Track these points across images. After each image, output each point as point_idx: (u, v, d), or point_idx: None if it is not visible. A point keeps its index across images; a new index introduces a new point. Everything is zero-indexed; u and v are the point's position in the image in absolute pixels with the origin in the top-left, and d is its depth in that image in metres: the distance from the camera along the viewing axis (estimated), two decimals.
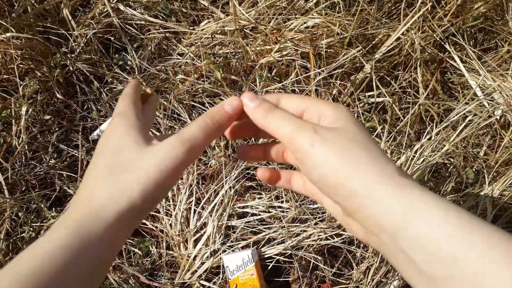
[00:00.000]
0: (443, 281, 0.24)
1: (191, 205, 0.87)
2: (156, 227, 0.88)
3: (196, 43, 1.04)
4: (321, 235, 0.84)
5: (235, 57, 1.03)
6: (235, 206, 0.88)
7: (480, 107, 0.95)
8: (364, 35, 1.00)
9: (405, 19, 0.95)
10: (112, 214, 0.30)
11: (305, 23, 0.99)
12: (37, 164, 0.93)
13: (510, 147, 0.93)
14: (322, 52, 0.95)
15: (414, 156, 0.85)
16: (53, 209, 0.90)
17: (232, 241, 0.85)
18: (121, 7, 1.07)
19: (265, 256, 0.85)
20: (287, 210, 0.87)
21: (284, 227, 0.85)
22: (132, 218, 0.31)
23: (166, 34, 1.07)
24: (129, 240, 0.87)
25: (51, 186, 0.93)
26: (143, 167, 0.31)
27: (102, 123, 0.98)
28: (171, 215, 0.88)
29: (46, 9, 1.06)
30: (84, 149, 0.94)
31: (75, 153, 0.95)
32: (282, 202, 0.88)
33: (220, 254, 0.84)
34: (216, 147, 0.93)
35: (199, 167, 0.91)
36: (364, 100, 0.98)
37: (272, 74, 1.00)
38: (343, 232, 0.84)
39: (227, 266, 0.82)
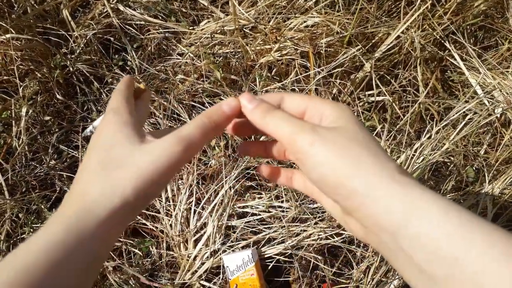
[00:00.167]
0: (443, 280, 0.24)
1: (191, 205, 0.87)
2: (156, 227, 0.89)
3: (196, 43, 1.04)
4: (321, 235, 0.84)
5: (235, 56, 1.03)
6: (235, 206, 0.88)
7: (480, 105, 0.94)
8: (364, 34, 1.00)
9: (405, 18, 0.95)
10: (104, 210, 0.30)
11: (304, 22, 0.99)
12: (37, 165, 0.93)
13: (511, 145, 0.92)
14: (321, 51, 0.95)
15: (414, 155, 0.85)
16: (54, 210, 0.90)
17: (232, 241, 0.85)
18: (121, 7, 1.07)
19: (265, 256, 0.85)
20: (287, 209, 0.87)
21: (284, 226, 0.85)
22: (125, 214, 0.31)
23: (166, 34, 1.07)
24: (129, 241, 0.87)
25: (51, 187, 0.93)
26: (136, 164, 0.31)
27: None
28: (171, 215, 0.88)
29: (46, 10, 1.06)
30: (84, 149, 0.95)
31: (75, 154, 0.95)
32: (282, 201, 0.88)
33: (220, 254, 0.84)
34: (216, 147, 0.93)
35: (199, 167, 0.91)
36: (364, 99, 0.97)
37: (272, 74, 1.00)
38: (343, 232, 0.84)
39: (227, 266, 0.82)
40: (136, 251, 0.87)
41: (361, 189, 0.28)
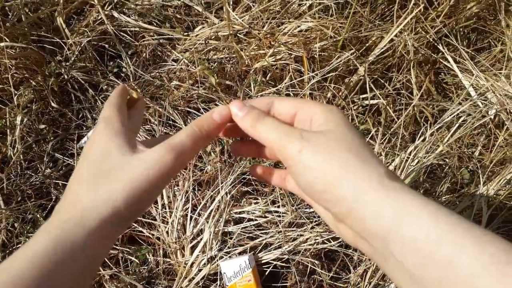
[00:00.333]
0: (436, 284, 0.24)
1: (188, 212, 0.87)
2: (153, 234, 0.88)
3: (191, 49, 1.04)
4: (317, 239, 0.84)
5: (230, 62, 1.03)
6: (231, 212, 0.88)
7: (474, 107, 0.95)
8: (358, 38, 1.00)
9: (398, 21, 0.95)
10: (94, 221, 0.30)
11: (298, 27, 1.00)
12: (32, 174, 0.93)
13: (505, 147, 0.93)
14: (315, 56, 0.96)
15: (408, 158, 0.85)
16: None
17: (229, 247, 0.85)
18: (115, 14, 1.08)
19: (262, 261, 0.85)
20: (284, 214, 0.87)
21: (281, 231, 0.85)
22: (117, 224, 0.31)
23: (161, 40, 1.07)
24: (125, 249, 0.87)
25: (47, 196, 0.93)
26: (127, 174, 0.31)
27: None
28: (167, 222, 0.88)
29: (40, 18, 1.06)
30: (79, 157, 0.94)
31: (71, 162, 0.95)
32: (278, 206, 0.88)
33: (217, 260, 0.84)
34: (212, 153, 0.93)
35: (195, 173, 0.91)
36: (359, 102, 0.98)
37: (267, 79, 1.00)
38: (339, 236, 0.84)
39: (225, 273, 0.82)
40: (133, 258, 0.86)
41: (349, 195, 0.28)
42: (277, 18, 1.02)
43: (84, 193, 0.31)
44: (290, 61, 0.98)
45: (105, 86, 1.03)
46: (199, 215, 0.87)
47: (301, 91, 0.95)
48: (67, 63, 1.03)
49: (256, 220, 0.88)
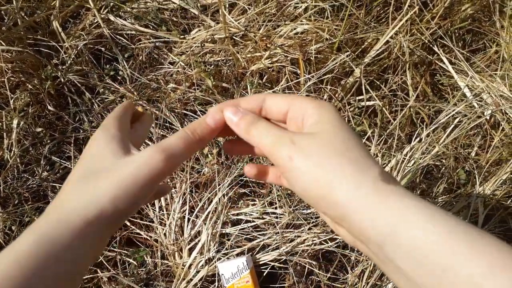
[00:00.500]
0: (437, 285, 0.24)
1: (185, 214, 0.87)
2: (151, 236, 0.88)
3: (187, 51, 1.04)
4: (315, 240, 0.84)
5: (226, 64, 1.04)
6: (229, 214, 0.88)
7: (470, 108, 0.96)
8: (353, 40, 1.01)
9: (393, 23, 0.96)
10: (78, 216, 0.30)
11: (294, 29, 1.00)
12: (29, 177, 0.93)
13: (501, 147, 0.93)
14: (311, 58, 0.96)
15: (404, 159, 0.85)
16: None
17: (226, 249, 0.85)
18: (111, 17, 1.08)
19: (260, 262, 0.86)
20: (281, 216, 0.87)
21: (278, 233, 0.85)
22: (105, 224, 0.31)
23: (157, 43, 1.08)
24: (123, 251, 0.87)
25: (44, 199, 0.92)
26: (116, 174, 0.31)
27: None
28: (165, 224, 0.88)
29: (36, 22, 1.06)
30: (76, 160, 0.94)
31: (68, 164, 0.95)
32: (276, 208, 0.88)
33: (215, 262, 0.84)
34: (209, 155, 0.93)
35: (192, 175, 0.91)
36: (355, 104, 0.98)
37: (263, 81, 1.01)
38: (337, 237, 0.84)
39: (222, 274, 0.82)
40: (131, 260, 0.86)
41: (342, 200, 0.27)
42: (273, 21, 1.02)
43: (72, 193, 0.32)
44: (286, 63, 0.98)
45: (102, 89, 1.03)
46: (197, 217, 0.87)
47: (297, 93, 0.95)
48: (64, 67, 1.03)
49: (253, 221, 0.88)
